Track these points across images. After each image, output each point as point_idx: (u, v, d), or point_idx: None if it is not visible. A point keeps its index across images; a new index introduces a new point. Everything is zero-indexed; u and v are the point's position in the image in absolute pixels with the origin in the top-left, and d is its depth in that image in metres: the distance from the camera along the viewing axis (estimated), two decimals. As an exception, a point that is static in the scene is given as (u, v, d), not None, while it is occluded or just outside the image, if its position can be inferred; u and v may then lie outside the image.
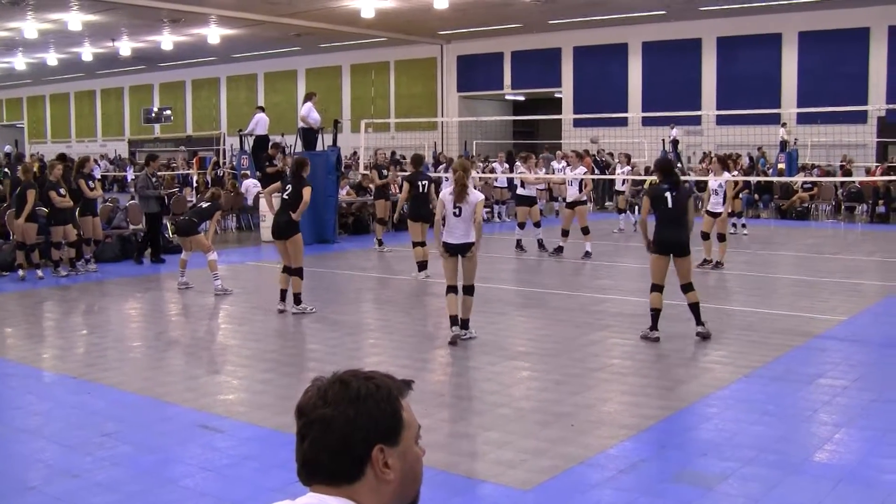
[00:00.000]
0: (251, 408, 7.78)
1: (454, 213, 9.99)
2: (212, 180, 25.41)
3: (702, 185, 28.20)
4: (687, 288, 10.25)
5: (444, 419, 7.43)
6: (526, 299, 13.75)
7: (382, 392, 1.91)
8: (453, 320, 10.12)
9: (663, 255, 10.17)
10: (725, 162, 17.47)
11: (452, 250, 10.02)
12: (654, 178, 11.33)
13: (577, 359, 9.45)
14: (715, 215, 16.12)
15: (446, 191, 10.22)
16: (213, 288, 13.55)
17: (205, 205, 14.28)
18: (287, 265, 12.13)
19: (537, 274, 16.68)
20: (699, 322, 10.27)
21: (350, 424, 1.86)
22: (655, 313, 10.23)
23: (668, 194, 10.18)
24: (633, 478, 6.07)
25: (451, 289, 10.11)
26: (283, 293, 12.16)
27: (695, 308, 10.24)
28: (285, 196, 12.25)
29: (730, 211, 16.66)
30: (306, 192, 12.14)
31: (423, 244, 15.04)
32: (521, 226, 18.82)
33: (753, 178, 27.10)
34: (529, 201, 18.75)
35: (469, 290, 10.08)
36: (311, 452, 1.89)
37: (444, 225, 10.03)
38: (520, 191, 19.19)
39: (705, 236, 16.17)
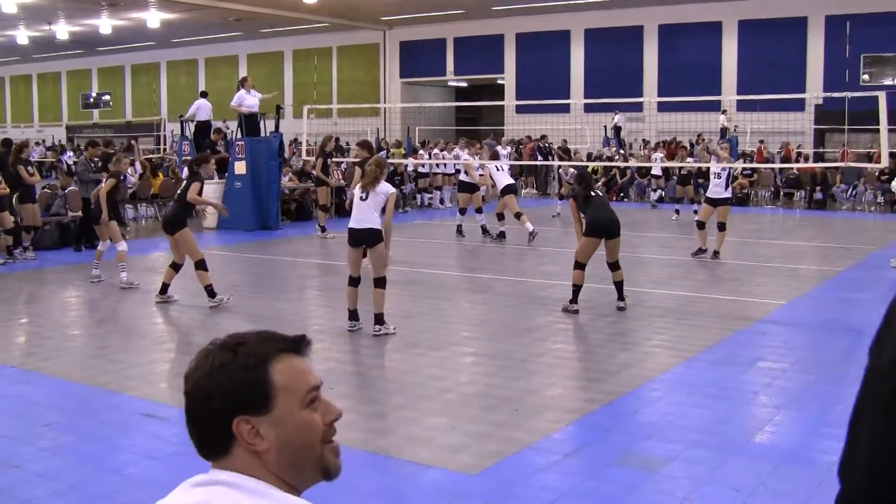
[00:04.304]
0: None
1: (360, 198, 9.80)
2: (150, 166, 25.00)
3: (641, 172, 28.57)
4: (614, 266, 11.11)
5: (390, 405, 7.43)
6: (470, 285, 13.78)
7: (240, 361, 1.77)
8: (350, 314, 10.02)
9: (596, 237, 10.94)
10: (726, 148, 16.70)
11: (356, 237, 9.79)
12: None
13: (522, 344, 9.50)
14: (713, 202, 15.71)
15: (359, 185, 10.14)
16: (119, 280, 13.03)
17: (104, 183, 13.55)
18: (175, 262, 11.68)
19: (481, 260, 16.72)
20: (621, 297, 11.22)
21: (203, 400, 1.76)
22: (577, 288, 11.02)
23: (591, 192, 11.16)
24: (578, 461, 6.12)
25: (352, 281, 9.94)
26: (165, 287, 11.76)
27: (619, 285, 11.17)
28: (179, 191, 11.87)
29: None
30: (192, 190, 11.53)
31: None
32: (462, 212, 19.00)
33: (740, 165, 27.32)
34: (471, 188, 18.86)
35: (379, 282, 9.78)
36: (187, 427, 1.80)
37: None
38: (462, 177, 19.34)
39: (701, 225, 15.88)
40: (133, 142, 23.86)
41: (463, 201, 19.01)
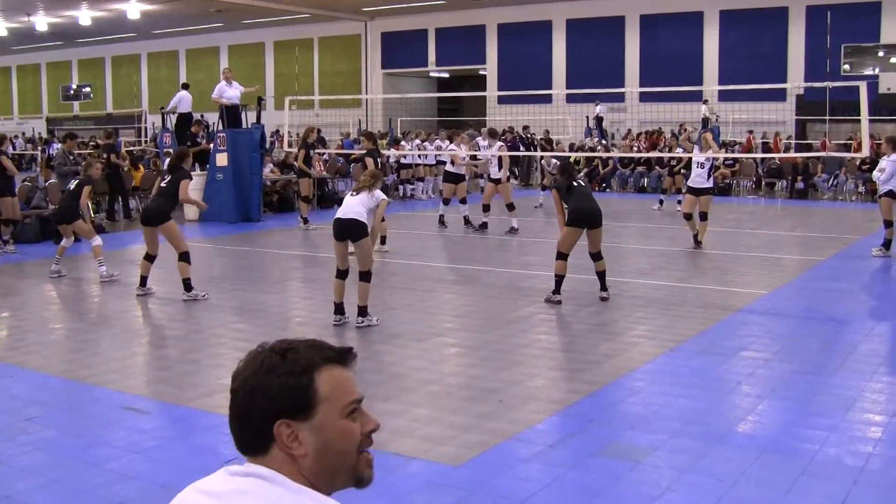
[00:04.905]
0: (177, 388, 7.68)
1: (350, 194, 9.94)
2: (131, 159, 24.87)
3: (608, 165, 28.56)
4: (596, 257, 11.09)
5: (373, 397, 7.41)
6: (453, 276, 13.77)
7: (287, 366, 1.84)
8: (336, 307, 9.96)
9: (578, 227, 10.93)
10: (709, 137, 16.41)
11: (340, 228, 9.72)
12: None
13: (505, 334, 9.50)
14: (695, 192, 15.69)
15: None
16: (99, 275, 12.91)
17: (73, 185, 13.33)
18: (150, 253, 11.62)
19: (463, 250, 16.71)
20: (604, 288, 11.21)
21: (248, 399, 1.83)
22: (560, 279, 11.01)
23: (574, 182, 11.14)
24: (561, 452, 6.12)
25: (340, 273, 9.88)
26: (144, 279, 11.72)
27: (601, 275, 11.16)
28: (163, 185, 11.80)
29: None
30: (183, 188, 11.63)
31: (382, 219, 15.12)
32: (446, 202, 18.98)
33: (723, 154, 27.37)
34: (456, 178, 18.87)
35: (364, 276, 9.75)
36: (229, 422, 1.87)
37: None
38: (448, 167, 19.33)
39: (688, 216, 15.83)
40: (100, 142, 23.85)
41: (448, 192, 19.00)
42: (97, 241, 13.02)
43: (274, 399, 1.82)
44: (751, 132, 30.97)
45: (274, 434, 1.81)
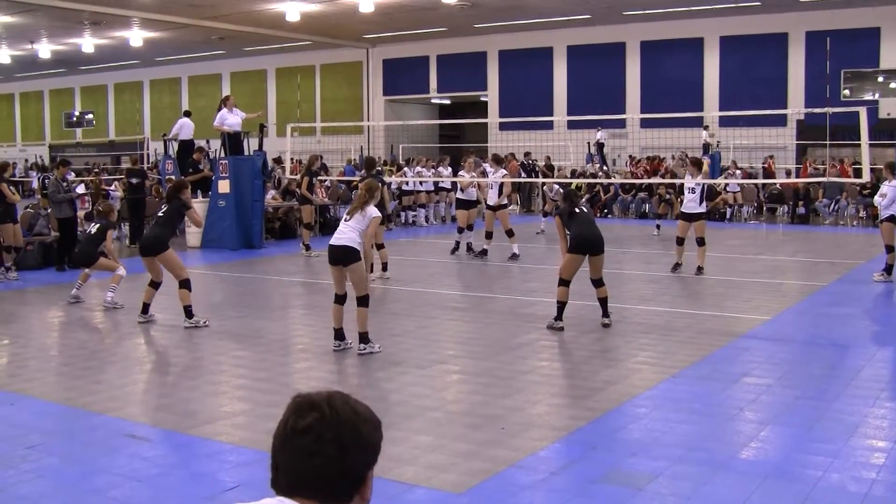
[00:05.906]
0: (178, 416, 7.67)
1: (344, 219, 9.94)
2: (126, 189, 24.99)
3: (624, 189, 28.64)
4: (598, 283, 11.09)
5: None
6: (455, 302, 13.75)
7: (375, 419, 2.05)
8: (335, 333, 9.96)
9: (580, 254, 10.93)
10: (699, 163, 16.64)
11: (333, 254, 9.72)
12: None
13: (507, 361, 9.48)
14: (689, 217, 15.78)
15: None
16: (103, 299, 13.04)
17: (94, 229, 13.55)
18: (155, 280, 11.74)
19: (465, 277, 16.71)
20: (605, 314, 11.21)
21: (365, 449, 1.98)
22: (562, 306, 11.02)
23: (576, 209, 11.11)
24: (563, 479, 6.11)
25: (337, 298, 9.88)
26: (146, 307, 11.80)
27: (603, 302, 11.15)
28: (160, 214, 12.01)
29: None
30: (192, 216, 12.54)
31: (381, 246, 15.16)
32: (461, 230, 18.79)
33: (716, 181, 27.41)
34: (469, 204, 18.79)
35: (361, 301, 9.72)
36: (319, 471, 1.93)
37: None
38: (459, 195, 19.25)
39: (680, 241, 15.91)
40: (104, 188, 24.04)
41: (462, 219, 18.82)
42: (121, 271, 13.21)
43: (374, 449, 1.99)
44: (771, 157, 30.93)
45: (366, 481, 1.97)
